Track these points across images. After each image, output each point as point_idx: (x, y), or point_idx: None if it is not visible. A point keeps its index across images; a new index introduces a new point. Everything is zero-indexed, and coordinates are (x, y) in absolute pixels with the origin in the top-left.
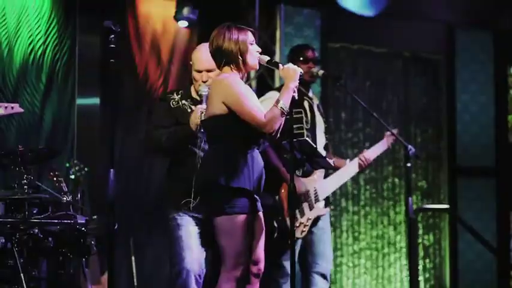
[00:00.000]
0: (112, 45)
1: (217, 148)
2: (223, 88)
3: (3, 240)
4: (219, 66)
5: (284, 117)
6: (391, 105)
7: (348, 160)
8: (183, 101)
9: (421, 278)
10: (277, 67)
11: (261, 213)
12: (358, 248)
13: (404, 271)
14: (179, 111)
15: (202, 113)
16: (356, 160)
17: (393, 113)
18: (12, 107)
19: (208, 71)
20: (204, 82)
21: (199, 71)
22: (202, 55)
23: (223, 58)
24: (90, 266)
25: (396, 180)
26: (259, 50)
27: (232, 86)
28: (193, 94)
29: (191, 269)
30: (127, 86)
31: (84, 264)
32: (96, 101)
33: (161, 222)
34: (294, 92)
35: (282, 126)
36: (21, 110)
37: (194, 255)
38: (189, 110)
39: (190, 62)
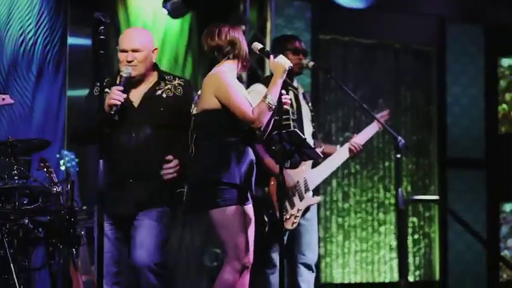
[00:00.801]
0: (102, 37)
1: (210, 143)
2: (214, 82)
3: None
4: (217, 62)
5: (272, 112)
6: (381, 97)
7: (338, 146)
8: (106, 89)
9: (410, 268)
10: (268, 57)
11: (250, 206)
12: (348, 243)
13: (394, 261)
14: (101, 99)
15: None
16: (346, 146)
17: (384, 105)
18: (3, 98)
19: (134, 50)
20: (129, 62)
21: (125, 51)
22: (130, 35)
23: (219, 54)
24: (80, 256)
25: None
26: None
27: (223, 80)
28: (118, 81)
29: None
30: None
31: (75, 254)
32: (86, 92)
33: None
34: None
35: (272, 121)
36: (12, 101)
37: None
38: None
39: (117, 47)
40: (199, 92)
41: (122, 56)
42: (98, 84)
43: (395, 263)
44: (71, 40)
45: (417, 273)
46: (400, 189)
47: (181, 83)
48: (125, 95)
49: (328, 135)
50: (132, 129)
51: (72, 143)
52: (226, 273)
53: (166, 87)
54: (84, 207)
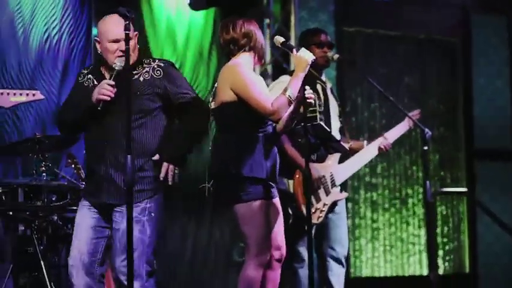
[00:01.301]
0: (127, 32)
1: (229, 136)
2: (230, 74)
3: (23, 228)
4: (232, 55)
5: (292, 105)
6: (407, 88)
7: (365, 142)
8: (89, 76)
9: (440, 261)
10: (291, 51)
11: (276, 200)
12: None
13: (424, 254)
14: (83, 86)
15: (110, 90)
16: (375, 143)
17: (409, 96)
18: (33, 94)
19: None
20: (122, 52)
21: (117, 41)
22: (118, 23)
23: (235, 46)
24: (109, 252)
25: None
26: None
27: (240, 73)
28: (102, 69)
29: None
30: None
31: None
32: None
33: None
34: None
35: (294, 114)
36: (42, 97)
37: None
38: (90, 85)
39: (96, 38)
40: (215, 85)
41: (112, 46)
42: (85, 71)
43: (424, 256)
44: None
45: (446, 265)
46: (427, 182)
47: (160, 64)
48: (115, 90)
49: (354, 129)
50: (113, 118)
51: (62, 132)
52: (250, 269)
53: (144, 70)
54: None
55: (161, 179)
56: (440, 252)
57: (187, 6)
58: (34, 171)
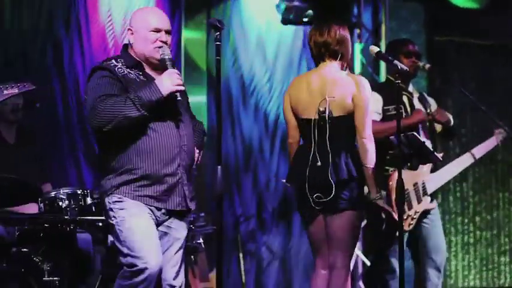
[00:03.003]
0: (218, 43)
1: (350, 144)
2: (356, 87)
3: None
4: (321, 59)
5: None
6: (498, 99)
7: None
8: (128, 70)
9: None
10: (386, 61)
11: None
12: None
13: None
14: (127, 79)
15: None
16: (467, 155)
17: (501, 107)
18: (24, 85)
19: (167, 32)
20: (163, 42)
21: (159, 30)
22: (162, 14)
23: (326, 51)
24: (198, 263)
25: None
26: None
27: (367, 89)
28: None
29: None
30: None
31: (193, 261)
32: (203, 98)
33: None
34: None
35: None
36: (33, 86)
37: None
38: (137, 80)
39: (129, 27)
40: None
41: (152, 35)
42: (118, 63)
43: None
44: (186, 43)
45: None
46: None
47: None
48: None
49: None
50: (177, 117)
51: (104, 129)
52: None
53: None
54: (202, 214)
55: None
56: None
57: (277, 19)
58: None
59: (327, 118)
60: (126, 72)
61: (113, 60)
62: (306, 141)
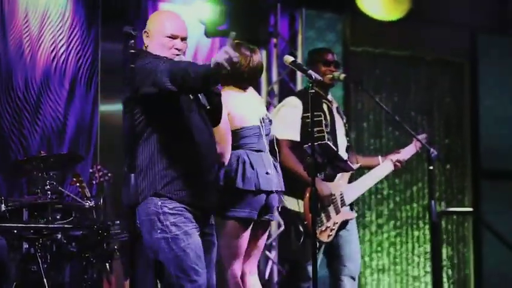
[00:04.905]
0: (132, 51)
1: None
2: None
3: (27, 246)
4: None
5: None
6: (414, 109)
7: (379, 157)
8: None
9: (444, 280)
10: (301, 70)
11: None
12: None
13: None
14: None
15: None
16: (388, 162)
17: (416, 117)
18: None
19: (184, 39)
20: (179, 50)
21: (176, 37)
22: (181, 21)
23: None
24: (114, 271)
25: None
26: None
27: None
28: None
29: None
30: None
31: (108, 269)
32: (119, 107)
33: None
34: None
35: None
36: None
37: None
38: None
39: (146, 31)
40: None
41: (169, 42)
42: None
43: (429, 278)
44: (103, 54)
45: (451, 286)
46: (433, 202)
47: None
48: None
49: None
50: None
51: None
52: None
53: None
54: (117, 222)
55: None
56: (445, 273)
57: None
58: (39, 190)
59: None
60: None
61: None
62: None
